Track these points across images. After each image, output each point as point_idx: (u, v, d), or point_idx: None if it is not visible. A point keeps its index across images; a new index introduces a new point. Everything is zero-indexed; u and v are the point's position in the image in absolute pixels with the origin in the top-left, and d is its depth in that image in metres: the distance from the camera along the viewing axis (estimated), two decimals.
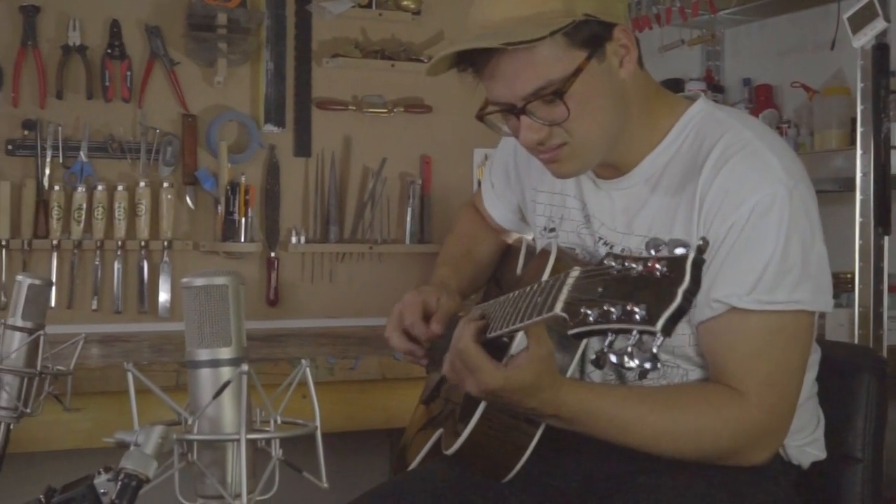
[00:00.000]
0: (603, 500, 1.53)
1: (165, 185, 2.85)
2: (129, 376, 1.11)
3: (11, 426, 1.52)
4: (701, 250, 1.02)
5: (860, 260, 2.67)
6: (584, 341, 1.49)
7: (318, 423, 1.13)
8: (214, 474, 1.11)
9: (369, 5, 3.10)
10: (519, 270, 1.78)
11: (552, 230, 1.68)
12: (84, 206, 2.75)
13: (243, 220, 2.91)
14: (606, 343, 1.07)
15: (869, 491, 1.65)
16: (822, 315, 2.04)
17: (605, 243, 1.58)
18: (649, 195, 1.54)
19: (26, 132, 2.76)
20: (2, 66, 2.74)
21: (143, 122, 2.86)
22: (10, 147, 2.75)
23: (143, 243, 2.82)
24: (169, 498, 1.14)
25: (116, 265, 2.80)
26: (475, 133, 2.84)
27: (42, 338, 1.52)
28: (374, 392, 2.36)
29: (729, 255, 1.43)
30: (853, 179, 2.70)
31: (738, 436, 1.45)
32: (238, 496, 1.06)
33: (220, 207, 2.90)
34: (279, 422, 1.15)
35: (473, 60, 1.46)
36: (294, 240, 3.01)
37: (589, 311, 1.07)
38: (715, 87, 3.82)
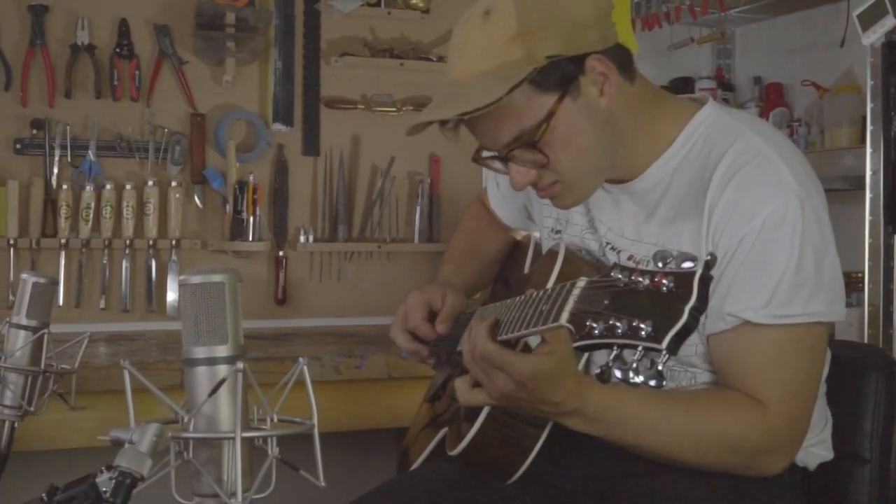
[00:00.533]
0: (606, 500, 1.52)
1: (174, 184, 2.85)
2: (126, 374, 1.11)
3: (16, 424, 1.53)
4: (709, 266, 1.01)
5: (870, 258, 2.66)
6: (585, 355, 1.48)
7: (315, 421, 1.13)
8: (210, 472, 1.11)
9: (378, 4, 3.09)
10: (527, 269, 1.77)
11: (558, 232, 1.67)
12: (92, 204, 2.75)
13: (251, 219, 2.91)
14: (611, 357, 1.06)
15: (876, 492, 1.63)
16: None
17: (613, 248, 1.56)
18: (658, 202, 1.52)
19: (35, 131, 2.76)
20: (10, 66, 2.74)
21: (151, 121, 2.87)
22: (18, 146, 2.75)
23: (151, 242, 2.82)
24: (166, 496, 1.14)
25: (124, 264, 2.80)
26: None
27: (46, 336, 1.52)
28: (380, 391, 2.35)
29: (742, 267, 1.41)
30: (864, 178, 2.69)
31: (759, 444, 1.42)
32: (234, 494, 1.06)
33: (228, 206, 2.90)
34: (276, 420, 1.14)
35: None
36: (302, 239, 3.00)
37: (594, 325, 1.06)
38: (725, 86, 3.81)
